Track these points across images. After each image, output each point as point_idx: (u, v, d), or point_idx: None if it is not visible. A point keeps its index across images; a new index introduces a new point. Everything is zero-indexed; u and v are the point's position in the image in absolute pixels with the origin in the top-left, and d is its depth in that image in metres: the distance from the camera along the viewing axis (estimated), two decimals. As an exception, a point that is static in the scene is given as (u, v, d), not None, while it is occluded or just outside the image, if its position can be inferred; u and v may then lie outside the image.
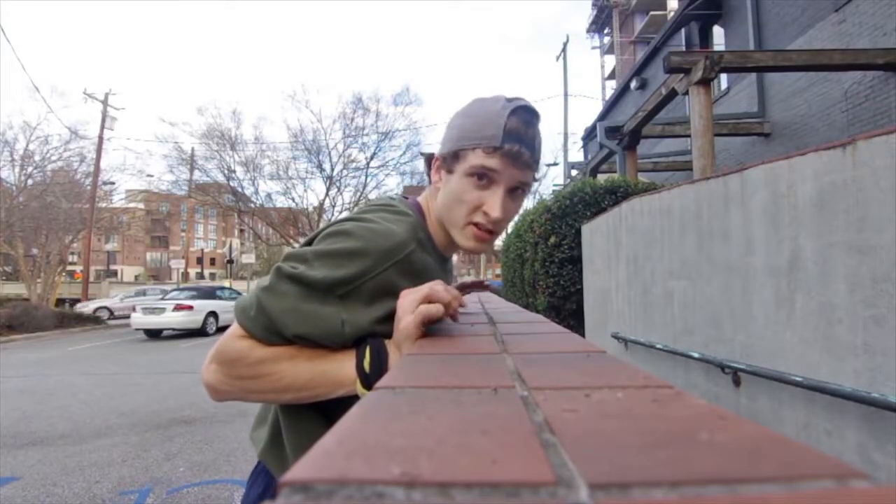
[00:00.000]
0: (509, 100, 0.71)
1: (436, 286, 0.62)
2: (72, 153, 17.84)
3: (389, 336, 0.67)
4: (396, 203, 0.76)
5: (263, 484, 0.79)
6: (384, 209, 0.73)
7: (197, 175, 19.31)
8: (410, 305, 0.61)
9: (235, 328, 0.65)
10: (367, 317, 0.65)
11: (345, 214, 0.76)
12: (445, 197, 0.74)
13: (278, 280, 0.65)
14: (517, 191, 0.73)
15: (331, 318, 0.64)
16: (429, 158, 0.80)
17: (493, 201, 0.70)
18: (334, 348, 0.66)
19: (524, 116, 0.70)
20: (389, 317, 0.66)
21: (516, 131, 0.69)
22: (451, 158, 0.72)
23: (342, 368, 0.64)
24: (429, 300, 0.61)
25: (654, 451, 0.21)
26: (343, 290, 0.64)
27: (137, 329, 11.68)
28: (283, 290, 0.64)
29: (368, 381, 0.62)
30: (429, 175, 0.80)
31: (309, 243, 0.70)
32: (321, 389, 0.65)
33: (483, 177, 0.70)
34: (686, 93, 5.17)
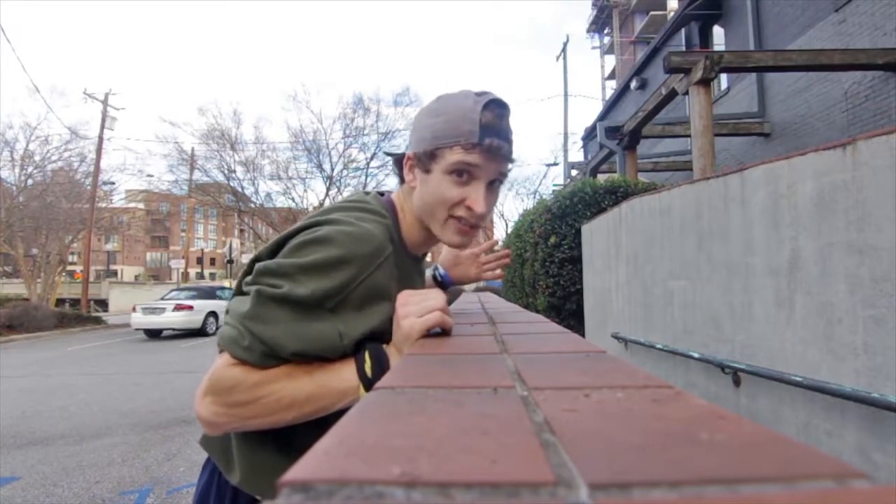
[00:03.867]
0: (479, 94, 0.71)
1: (446, 304, 0.62)
2: (72, 153, 17.85)
3: (384, 338, 0.66)
4: (371, 201, 0.75)
5: (208, 472, 0.78)
6: (358, 209, 0.72)
7: (197, 175, 19.32)
8: (419, 309, 0.60)
9: (226, 358, 0.62)
10: (362, 325, 0.65)
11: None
12: (425, 196, 0.73)
13: (263, 304, 0.62)
14: (495, 183, 0.74)
15: (328, 332, 0.63)
16: (399, 159, 0.79)
17: (476, 196, 0.71)
18: (331, 360, 0.65)
19: (497, 110, 0.70)
20: (384, 322, 0.66)
21: (492, 125, 0.69)
22: (426, 158, 0.71)
23: (343, 378, 0.63)
24: (445, 311, 0.61)
25: (654, 451, 0.21)
26: (333, 302, 0.63)
27: (137, 329, 11.68)
28: (272, 316, 0.61)
29: (372, 386, 0.61)
30: (399, 175, 0.80)
31: (275, 251, 0.68)
32: (324, 402, 0.63)
33: (463, 173, 0.70)
34: (686, 93, 5.16)
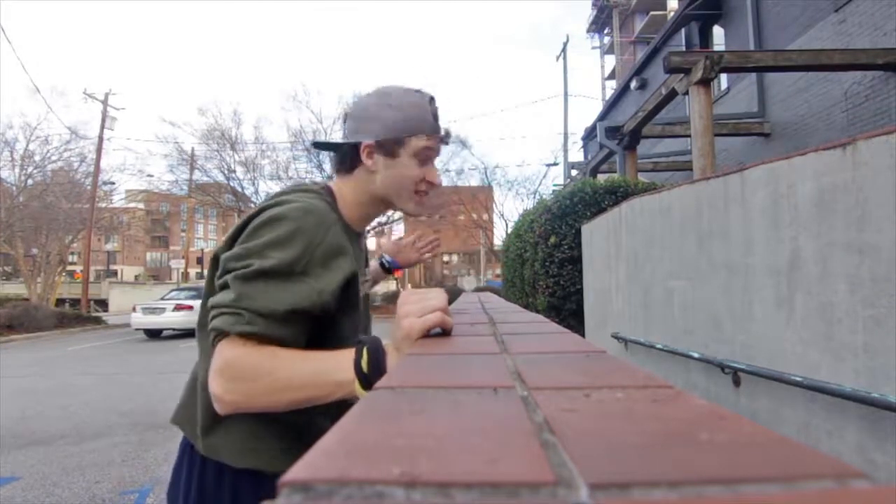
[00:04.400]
0: (417, 91, 0.86)
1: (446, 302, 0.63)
2: (72, 153, 17.84)
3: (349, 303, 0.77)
4: (308, 184, 0.86)
5: (182, 447, 0.87)
6: (298, 190, 0.82)
7: (197, 175, 19.33)
8: (419, 309, 0.61)
9: (232, 339, 0.66)
10: (332, 280, 0.73)
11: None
12: (393, 176, 0.85)
13: (242, 284, 0.67)
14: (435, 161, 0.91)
15: (306, 291, 0.70)
16: (352, 147, 0.85)
17: (434, 173, 0.88)
18: (330, 350, 0.68)
19: (435, 105, 0.87)
20: (349, 276, 0.76)
21: (438, 118, 0.86)
22: (393, 144, 0.83)
23: (340, 369, 0.64)
24: (445, 311, 0.61)
25: (654, 451, 0.21)
26: (301, 266, 0.70)
27: (137, 329, 11.68)
28: (254, 290, 0.67)
29: (367, 381, 0.62)
30: (344, 162, 0.87)
31: (232, 243, 0.75)
32: (319, 391, 0.65)
33: (423, 156, 0.85)
34: (686, 93, 5.16)
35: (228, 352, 0.66)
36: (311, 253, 0.71)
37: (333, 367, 0.64)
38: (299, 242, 0.70)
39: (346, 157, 0.87)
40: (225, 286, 0.69)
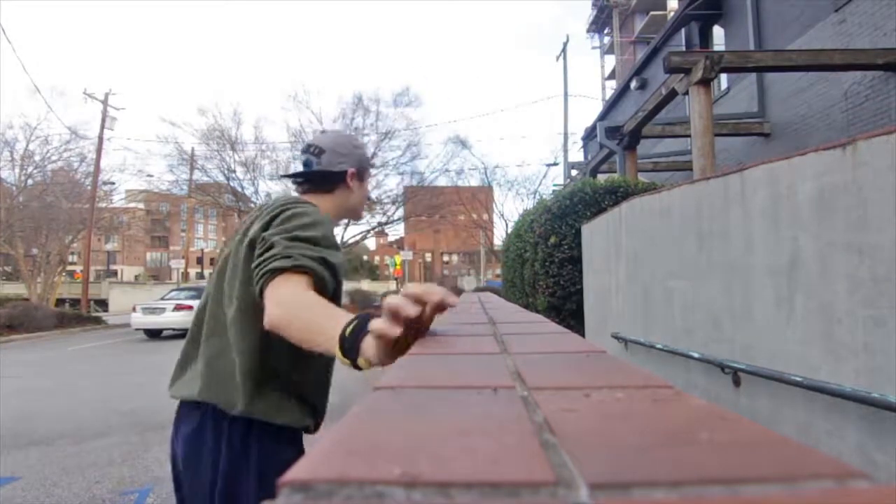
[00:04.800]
0: (355, 135, 1.22)
1: (397, 299, 0.60)
2: (72, 153, 17.85)
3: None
4: (304, 197, 1.11)
5: (198, 415, 0.99)
6: (304, 201, 1.04)
7: (197, 175, 19.32)
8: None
9: (286, 275, 0.82)
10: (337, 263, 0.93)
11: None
12: (362, 195, 1.22)
13: (286, 241, 0.86)
14: None
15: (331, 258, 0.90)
16: (338, 173, 1.15)
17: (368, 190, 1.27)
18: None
19: None
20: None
21: None
22: (364, 172, 1.21)
23: (337, 324, 0.69)
24: (395, 312, 0.58)
25: (654, 451, 0.21)
26: (325, 244, 0.91)
27: (137, 329, 11.68)
28: (296, 244, 0.86)
29: (344, 343, 0.66)
30: (328, 184, 1.15)
31: (267, 226, 0.94)
32: (317, 335, 0.72)
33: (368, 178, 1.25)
34: (686, 93, 5.16)
35: (286, 282, 0.82)
36: (329, 240, 0.93)
37: (336, 320, 0.71)
38: (321, 230, 0.93)
39: (332, 179, 1.15)
40: (269, 248, 0.86)
